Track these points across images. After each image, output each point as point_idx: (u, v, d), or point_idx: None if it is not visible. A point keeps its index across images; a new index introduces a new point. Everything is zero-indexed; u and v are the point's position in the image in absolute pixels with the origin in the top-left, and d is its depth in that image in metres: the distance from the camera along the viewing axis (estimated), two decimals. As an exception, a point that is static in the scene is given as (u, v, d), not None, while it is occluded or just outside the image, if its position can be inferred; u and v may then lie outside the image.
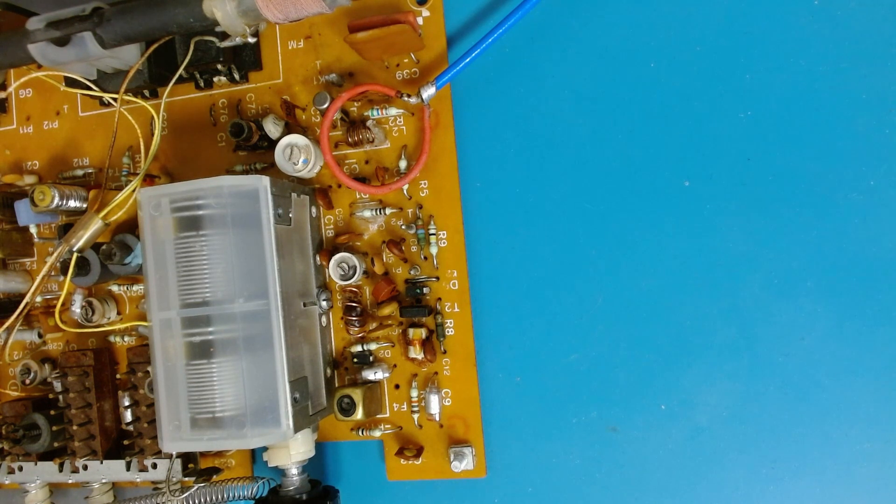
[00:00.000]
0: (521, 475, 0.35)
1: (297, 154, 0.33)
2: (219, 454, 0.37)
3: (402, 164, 0.34)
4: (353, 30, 0.31)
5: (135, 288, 0.38)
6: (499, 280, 0.35)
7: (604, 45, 0.33)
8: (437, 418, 0.34)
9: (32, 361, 0.38)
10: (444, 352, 0.34)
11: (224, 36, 0.31)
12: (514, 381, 0.35)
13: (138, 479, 0.35)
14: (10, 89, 0.40)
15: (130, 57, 0.33)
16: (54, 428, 0.35)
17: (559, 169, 0.34)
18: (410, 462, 0.35)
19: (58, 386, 0.36)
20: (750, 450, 0.32)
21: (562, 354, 0.34)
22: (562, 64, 0.34)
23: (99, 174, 0.38)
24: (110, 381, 0.37)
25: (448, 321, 0.34)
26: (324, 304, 0.34)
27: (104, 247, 0.34)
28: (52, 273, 0.35)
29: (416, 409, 0.34)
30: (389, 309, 0.34)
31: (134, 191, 0.33)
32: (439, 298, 0.34)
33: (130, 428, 0.36)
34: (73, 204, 0.35)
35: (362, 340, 0.35)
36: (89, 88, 0.34)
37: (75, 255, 0.34)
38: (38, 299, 0.39)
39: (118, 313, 0.38)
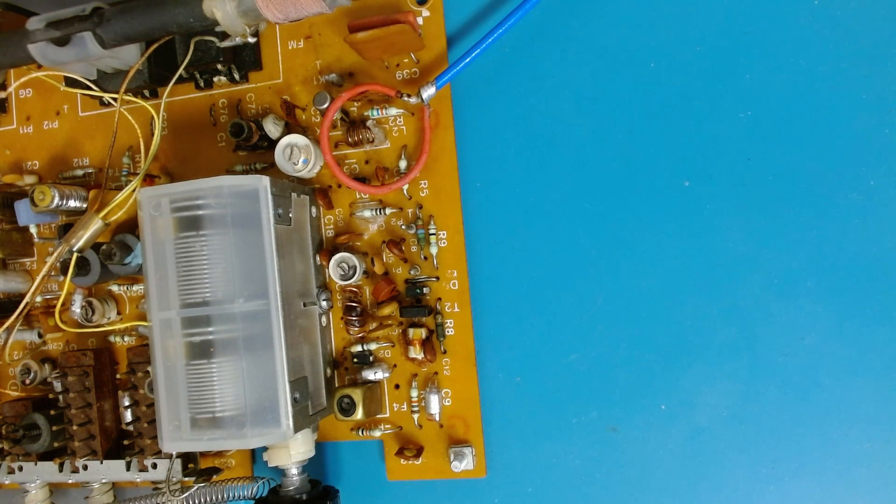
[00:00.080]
0: (521, 475, 0.35)
1: (297, 154, 0.33)
2: (219, 454, 0.37)
3: (402, 164, 0.34)
4: (353, 30, 0.31)
5: (135, 288, 0.38)
6: (499, 280, 0.35)
7: (604, 45, 0.33)
8: (437, 418, 0.34)
9: (32, 361, 0.38)
10: (444, 352, 0.34)
11: (224, 36, 0.31)
12: (514, 381, 0.35)
13: (138, 479, 0.35)
14: (10, 89, 0.40)
15: (130, 57, 0.33)
16: (54, 428, 0.35)
17: (559, 169, 0.34)
18: (410, 462, 0.35)
19: (58, 386, 0.36)
20: (750, 450, 0.32)
21: (562, 354, 0.34)
22: (562, 64, 0.34)
23: (99, 174, 0.38)
24: (110, 381, 0.37)
25: (448, 321, 0.34)
26: (324, 304, 0.34)
27: (104, 247, 0.34)
28: (52, 273, 0.35)
29: (416, 409, 0.34)
30: (389, 309, 0.34)
31: (134, 191, 0.33)
32: (439, 298, 0.34)
33: (130, 428, 0.36)
34: (73, 204, 0.35)
35: (362, 340, 0.35)
36: (89, 88, 0.34)
37: (75, 255, 0.34)
38: (38, 299, 0.39)
39: (118, 313, 0.38)
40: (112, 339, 0.38)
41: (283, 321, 0.29)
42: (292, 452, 0.32)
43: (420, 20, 0.34)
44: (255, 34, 0.31)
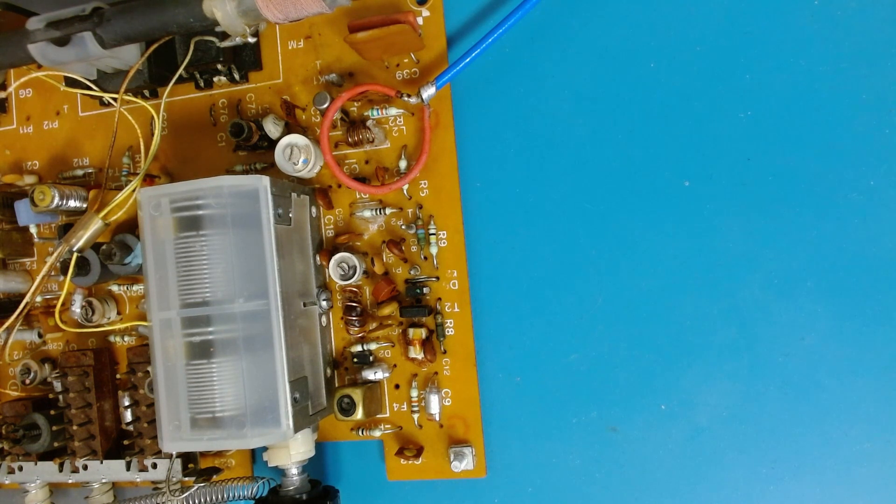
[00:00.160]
0: (521, 475, 0.35)
1: (297, 154, 0.33)
2: (219, 454, 0.37)
3: (402, 164, 0.34)
4: (353, 30, 0.31)
5: (135, 288, 0.38)
6: (499, 280, 0.35)
7: (604, 45, 0.33)
8: (437, 418, 0.34)
9: (32, 361, 0.38)
10: (444, 352, 0.34)
11: (224, 36, 0.32)
12: (514, 381, 0.35)
13: (138, 479, 0.35)
14: (10, 89, 0.40)
15: (130, 57, 0.33)
16: (54, 428, 0.35)
17: (559, 169, 0.34)
18: (410, 462, 0.35)
19: (58, 386, 0.36)
20: (750, 450, 0.32)
21: (562, 354, 0.34)
22: (562, 64, 0.34)
23: (99, 174, 0.38)
24: (110, 381, 0.37)
25: (448, 321, 0.34)
26: (324, 304, 0.34)
27: (104, 247, 0.34)
28: (52, 273, 0.35)
29: (416, 409, 0.34)
30: (389, 309, 0.34)
31: (134, 191, 0.33)
32: (439, 298, 0.34)
33: (130, 428, 0.36)
34: (73, 204, 0.35)
35: (362, 340, 0.35)
36: (89, 88, 0.34)
37: (75, 255, 0.34)
38: (38, 299, 0.39)
39: (118, 313, 0.38)
40: (112, 339, 0.38)
41: (283, 321, 0.29)
42: (292, 452, 0.32)
43: (420, 20, 0.34)
44: (255, 34, 0.31)
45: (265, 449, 0.33)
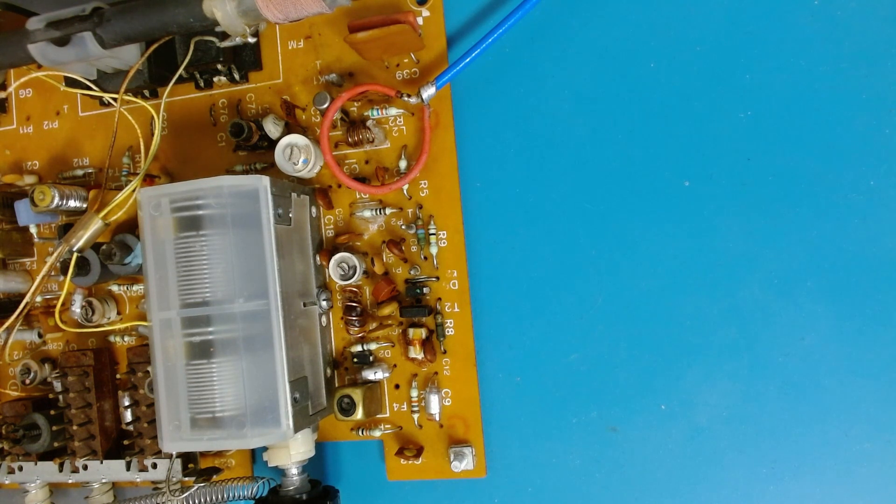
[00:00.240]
0: (521, 475, 0.35)
1: (297, 154, 0.33)
2: (219, 454, 0.37)
3: (402, 164, 0.34)
4: (353, 30, 0.31)
5: (135, 288, 0.38)
6: (499, 280, 0.35)
7: (604, 45, 0.33)
8: (437, 418, 0.34)
9: (32, 361, 0.38)
10: (444, 352, 0.34)
11: (224, 36, 0.31)
12: (514, 381, 0.35)
13: (138, 479, 0.35)
14: (10, 89, 0.40)
15: (130, 57, 0.33)
16: (54, 428, 0.35)
17: (559, 169, 0.34)
18: (410, 462, 0.35)
19: (58, 386, 0.36)
20: (750, 450, 0.32)
21: (562, 354, 0.34)
22: (562, 64, 0.34)
23: (99, 174, 0.38)
24: (110, 381, 0.37)
25: (448, 321, 0.34)
26: (324, 304, 0.34)
27: (104, 247, 0.34)
28: (52, 273, 0.35)
29: (416, 409, 0.34)
30: (389, 309, 0.34)
31: (134, 191, 0.33)
32: (439, 298, 0.34)
33: (130, 428, 0.36)
34: (73, 204, 0.35)
35: (362, 340, 0.35)
36: (89, 88, 0.34)
37: (75, 255, 0.34)
38: (38, 299, 0.39)
39: (118, 313, 0.38)
40: (112, 339, 0.38)
41: (283, 321, 0.29)
42: (292, 452, 0.32)
43: (420, 20, 0.34)
44: (255, 34, 0.31)
45: (265, 449, 0.33)
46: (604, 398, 0.34)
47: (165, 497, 0.33)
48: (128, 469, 0.35)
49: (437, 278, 0.34)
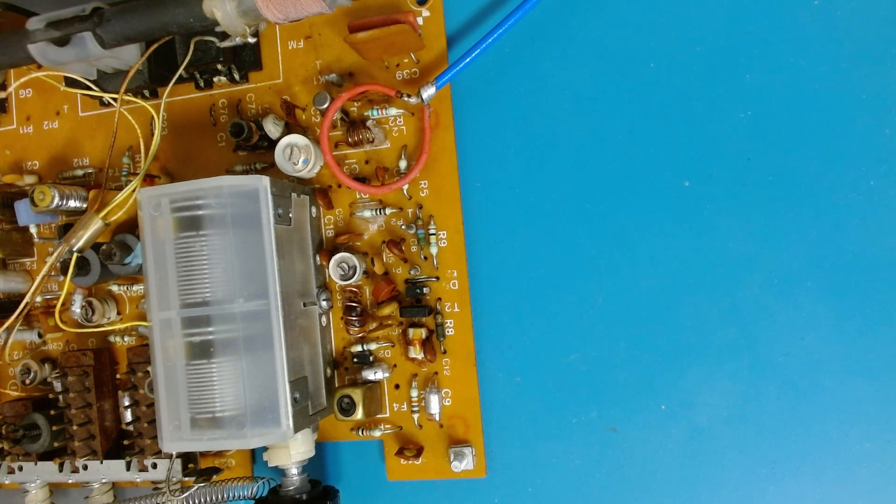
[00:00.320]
0: (521, 475, 0.35)
1: (297, 154, 0.33)
2: (219, 454, 0.37)
3: (402, 164, 0.34)
4: (353, 30, 0.31)
5: (135, 288, 0.38)
6: (499, 280, 0.35)
7: (604, 45, 0.33)
8: (437, 418, 0.34)
9: (32, 361, 0.38)
10: (444, 352, 0.34)
11: (224, 36, 0.31)
12: (514, 381, 0.35)
13: (138, 479, 0.35)
14: (10, 89, 0.40)
15: (130, 57, 0.33)
16: (54, 428, 0.35)
17: (559, 169, 0.34)
18: (410, 462, 0.35)
19: (58, 386, 0.36)
20: (750, 450, 0.32)
21: (562, 354, 0.34)
22: (562, 64, 0.34)
23: (99, 174, 0.38)
24: (110, 381, 0.37)
25: (448, 321, 0.34)
26: (324, 304, 0.34)
27: (104, 247, 0.34)
28: (52, 273, 0.35)
29: (416, 409, 0.34)
30: (389, 309, 0.34)
31: (134, 191, 0.33)
32: (439, 298, 0.34)
33: (130, 428, 0.36)
34: (73, 204, 0.35)
35: (362, 340, 0.35)
36: (89, 88, 0.34)
37: (75, 255, 0.34)
38: (38, 299, 0.39)
39: (118, 313, 0.38)
40: (112, 339, 0.38)
41: (283, 321, 0.29)
42: (292, 452, 0.32)
43: (420, 20, 0.34)
44: (255, 34, 0.31)
45: (265, 449, 0.33)
46: (604, 398, 0.34)
47: (165, 497, 0.33)
48: (128, 469, 0.35)
49: (437, 278, 0.34)
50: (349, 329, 0.34)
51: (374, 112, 0.34)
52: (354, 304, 0.34)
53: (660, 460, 0.33)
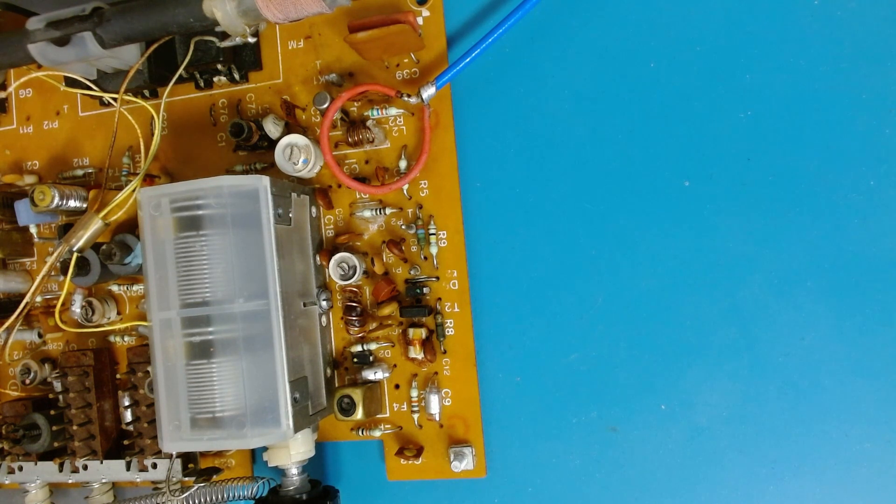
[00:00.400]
0: (521, 475, 0.35)
1: (297, 154, 0.33)
2: (219, 454, 0.37)
3: (402, 164, 0.34)
4: (353, 30, 0.31)
5: (135, 288, 0.38)
6: (499, 280, 0.35)
7: (604, 45, 0.33)
8: (437, 418, 0.34)
9: (32, 361, 0.38)
10: (444, 352, 0.34)
11: (224, 36, 0.31)
12: (514, 381, 0.35)
13: (138, 479, 0.35)
14: (10, 89, 0.40)
15: (130, 57, 0.33)
16: (54, 428, 0.35)
17: (559, 169, 0.34)
18: (410, 462, 0.35)
19: (58, 386, 0.36)
20: (750, 450, 0.32)
21: (562, 354, 0.34)
22: (562, 64, 0.34)
23: (99, 174, 0.38)
24: (110, 381, 0.37)
25: (448, 321, 0.34)
26: (324, 304, 0.34)
27: (104, 247, 0.34)
28: (52, 273, 0.35)
29: (416, 409, 0.34)
30: (389, 309, 0.34)
31: (134, 191, 0.33)
32: (439, 298, 0.34)
33: (130, 428, 0.36)
34: (73, 204, 0.35)
35: (362, 340, 0.35)
36: (89, 88, 0.34)
37: (75, 255, 0.34)
38: (38, 299, 0.39)
39: (118, 313, 0.38)
40: (112, 339, 0.38)
41: (283, 321, 0.29)
42: (292, 452, 0.32)
43: (420, 20, 0.34)
44: (255, 34, 0.31)
45: (265, 449, 0.33)
46: (604, 398, 0.34)
47: (165, 497, 0.33)
48: (128, 469, 0.35)
49: (437, 278, 0.34)
50: (349, 329, 0.34)
51: (374, 112, 0.34)
52: (354, 304, 0.34)
53: (660, 460, 0.33)
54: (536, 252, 0.34)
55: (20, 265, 0.40)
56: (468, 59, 0.32)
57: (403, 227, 0.34)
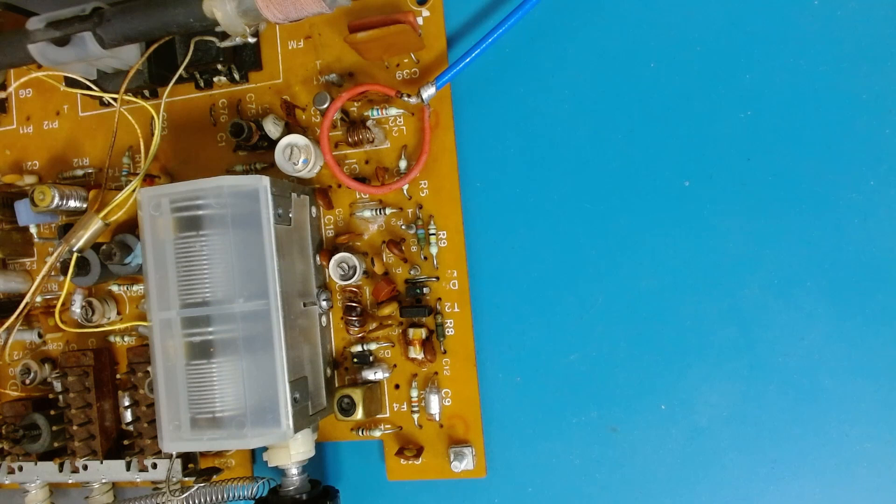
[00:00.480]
0: (521, 475, 0.35)
1: (297, 154, 0.33)
2: (219, 454, 0.37)
3: (402, 164, 0.34)
4: (353, 30, 0.31)
5: (135, 288, 0.38)
6: (499, 280, 0.35)
7: (604, 45, 0.33)
8: (437, 418, 0.34)
9: (32, 361, 0.38)
10: (444, 352, 0.34)
11: (224, 36, 0.31)
12: (514, 381, 0.35)
13: (138, 479, 0.35)
14: (10, 89, 0.40)
15: (130, 57, 0.33)
16: (54, 428, 0.35)
17: (559, 169, 0.34)
18: (410, 462, 0.35)
19: (58, 386, 0.36)
20: (750, 450, 0.32)
21: (562, 354, 0.34)
22: (562, 64, 0.34)
23: (99, 174, 0.38)
24: (110, 381, 0.37)
25: (448, 321, 0.34)
26: (324, 304, 0.34)
27: (104, 247, 0.34)
28: (52, 273, 0.35)
29: (416, 409, 0.34)
30: (389, 309, 0.34)
31: (134, 191, 0.33)
32: (439, 298, 0.34)
33: (130, 428, 0.36)
34: (73, 204, 0.35)
35: (362, 340, 0.35)
36: (89, 88, 0.34)
37: (75, 255, 0.34)
38: (38, 299, 0.39)
39: (118, 313, 0.38)
40: (112, 339, 0.38)
41: (283, 321, 0.29)
42: (292, 452, 0.32)
43: (420, 20, 0.34)
44: (255, 34, 0.31)
45: (265, 449, 0.33)
46: (604, 398, 0.34)
47: (165, 497, 0.33)
48: (128, 469, 0.35)
49: (437, 278, 0.34)
50: (349, 329, 0.34)
51: (374, 112, 0.34)
52: (354, 304, 0.34)
53: (660, 460, 0.33)
54: (536, 252, 0.34)
55: (20, 265, 0.40)
56: (468, 60, 0.32)
57: (403, 227, 0.34)
